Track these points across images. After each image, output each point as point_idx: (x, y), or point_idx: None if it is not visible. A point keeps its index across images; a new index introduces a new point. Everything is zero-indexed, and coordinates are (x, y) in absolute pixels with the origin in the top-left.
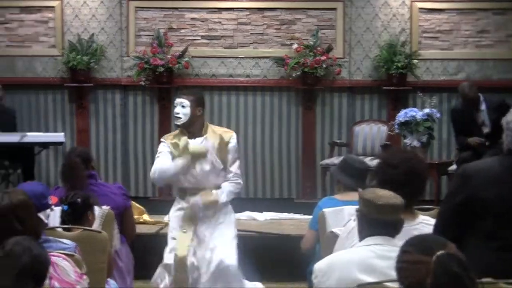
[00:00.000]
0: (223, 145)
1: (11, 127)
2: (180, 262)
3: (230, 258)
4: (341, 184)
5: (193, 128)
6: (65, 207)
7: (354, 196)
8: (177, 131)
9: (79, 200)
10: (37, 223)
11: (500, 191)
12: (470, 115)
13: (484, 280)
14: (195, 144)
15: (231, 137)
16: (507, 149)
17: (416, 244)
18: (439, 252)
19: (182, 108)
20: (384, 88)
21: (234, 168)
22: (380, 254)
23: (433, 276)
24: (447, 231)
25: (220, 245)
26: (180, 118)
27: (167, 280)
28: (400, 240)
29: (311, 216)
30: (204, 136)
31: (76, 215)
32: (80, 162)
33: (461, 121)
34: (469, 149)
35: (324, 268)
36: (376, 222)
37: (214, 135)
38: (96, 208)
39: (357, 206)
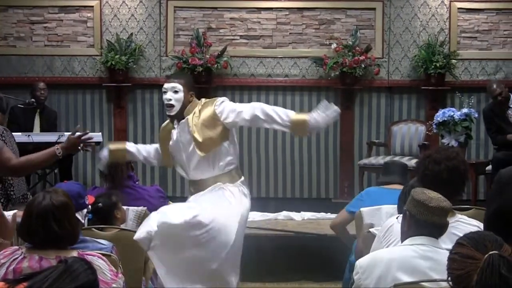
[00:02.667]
0: (209, 119)
1: (53, 129)
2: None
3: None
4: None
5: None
6: (90, 215)
7: (398, 186)
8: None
9: (100, 205)
10: (75, 226)
11: None
12: (502, 114)
13: None
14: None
15: (215, 104)
16: None
17: (472, 239)
18: (492, 252)
19: (174, 94)
20: (423, 88)
21: (238, 108)
22: (423, 255)
23: (480, 273)
24: None
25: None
26: (172, 106)
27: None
28: (441, 239)
29: None
30: (191, 114)
31: (102, 219)
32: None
33: (493, 121)
34: (504, 148)
35: (365, 265)
36: (424, 223)
37: (199, 111)
38: (133, 209)
39: (394, 206)
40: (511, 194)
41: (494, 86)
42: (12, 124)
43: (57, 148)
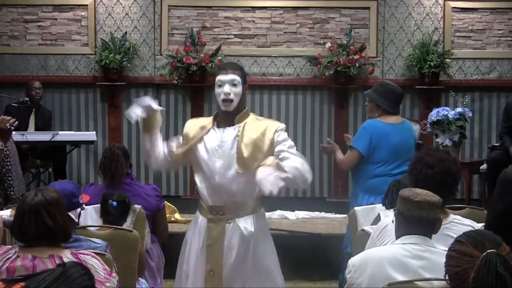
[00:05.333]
0: (263, 140)
1: (48, 127)
2: None
3: None
4: (380, 109)
5: (237, 114)
6: (114, 203)
7: (395, 119)
8: (208, 117)
9: (127, 200)
10: (68, 223)
11: None
12: None
13: None
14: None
15: (277, 129)
16: None
17: (471, 237)
18: (490, 250)
19: (232, 87)
20: (417, 87)
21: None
22: (415, 254)
23: (477, 271)
24: None
25: None
26: (231, 100)
27: None
28: (434, 240)
29: (342, 215)
30: (243, 123)
31: (122, 213)
32: (122, 156)
33: (509, 116)
34: (498, 148)
35: (358, 263)
36: (413, 220)
37: (253, 125)
38: None
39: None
40: None
41: None
42: None
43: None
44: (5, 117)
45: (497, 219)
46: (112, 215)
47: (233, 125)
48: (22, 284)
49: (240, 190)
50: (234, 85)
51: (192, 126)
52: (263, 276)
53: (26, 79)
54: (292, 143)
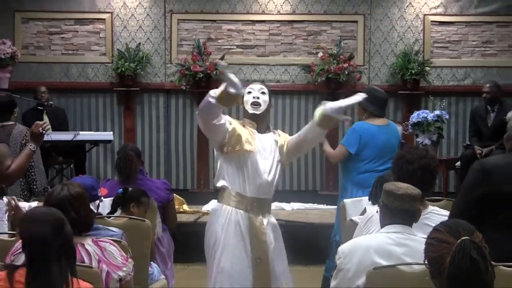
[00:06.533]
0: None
1: (64, 125)
2: None
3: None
4: (367, 112)
5: (262, 124)
6: (120, 190)
7: (381, 121)
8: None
9: (130, 189)
10: (90, 214)
11: None
12: (484, 116)
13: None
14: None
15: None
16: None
17: (448, 225)
18: (464, 237)
19: (262, 95)
20: (400, 92)
21: None
22: (398, 242)
23: (453, 256)
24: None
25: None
26: (259, 105)
27: None
28: (415, 229)
29: (333, 207)
30: (271, 131)
31: (123, 200)
32: (135, 156)
33: (475, 121)
34: (472, 147)
35: (346, 250)
36: (396, 211)
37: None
38: None
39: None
40: (499, 180)
41: (487, 85)
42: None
43: (30, 145)
44: (38, 122)
45: (472, 204)
46: (114, 202)
47: (268, 131)
48: (23, 269)
49: (274, 187)
50: (263, 93)
51: (237, 124)
52: (285, 261)
53: (50, 85)
54: None
